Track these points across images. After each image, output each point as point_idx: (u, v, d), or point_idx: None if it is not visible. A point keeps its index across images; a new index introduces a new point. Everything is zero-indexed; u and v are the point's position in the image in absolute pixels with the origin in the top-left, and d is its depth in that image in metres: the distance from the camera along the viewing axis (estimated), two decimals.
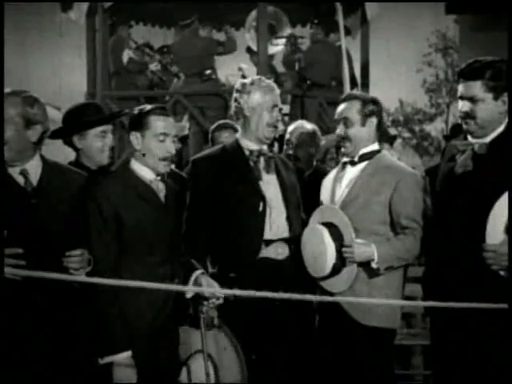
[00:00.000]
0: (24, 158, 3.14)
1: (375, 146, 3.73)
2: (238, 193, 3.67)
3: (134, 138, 3.35)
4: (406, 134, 14.25)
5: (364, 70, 8.98)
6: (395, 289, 3.63)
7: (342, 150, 3.74)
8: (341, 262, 3.54)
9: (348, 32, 8.66)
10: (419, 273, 3.71)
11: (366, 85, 8.90)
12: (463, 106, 3.29)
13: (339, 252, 3.52)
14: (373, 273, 3.56)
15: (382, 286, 3.57)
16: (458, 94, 3.32)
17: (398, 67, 12.54)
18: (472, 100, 3.26)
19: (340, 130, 3.71)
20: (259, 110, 3.76)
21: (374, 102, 3.73)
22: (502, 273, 3.13)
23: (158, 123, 3.33)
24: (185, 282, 3.37)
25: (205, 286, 3.39)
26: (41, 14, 11.55)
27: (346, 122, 3.68)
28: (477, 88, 3.25)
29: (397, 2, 10.70)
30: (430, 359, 3.57)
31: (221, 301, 3.42)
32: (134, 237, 3.27)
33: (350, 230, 3.52)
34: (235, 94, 3.83)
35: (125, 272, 3.23)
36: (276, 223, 3.71)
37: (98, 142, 3.66)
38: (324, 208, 3.70)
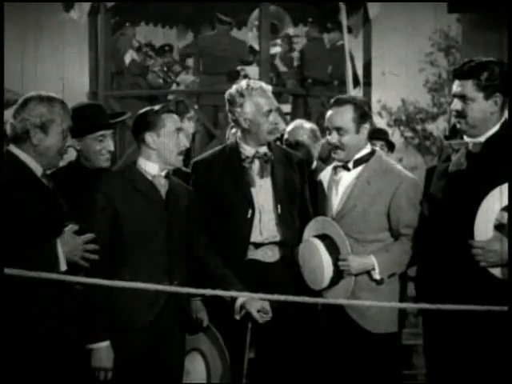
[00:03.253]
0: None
1: (368, 149, 3.65)
2: (229, 199, 3.68)
3: (150, 138, 3.43)
4: (408, 134, 14.24)
5: (366, 69, 8.97)
6: (398, 293, 3.61)
7: (334, 156, 3.65)
8: (338, 275, 3.51)
9: (349, 30, 8.65)
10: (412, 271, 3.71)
11: (368, 84, 8.89)
12: (455, 104, 3.32)
13: (336, 265, 3.50)
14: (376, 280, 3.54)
15: (386, 291, 3.55)
16: (452, 92, 3.36)
17: (400, 66, 12.53)
18: (463, 99, 3.28)
19: (333, 138, 3.59)
20: (255, 120, 3.71)
21: (365, 103, 3.66)
22: (494, 271, 3.13)
23: (171, 120, 3.46)
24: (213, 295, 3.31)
25: (254, 310, 3.47)
26: (43, 13, 11.56)
27: (340, 130, 3.56)
28: (468, 87, 3.27)
29: (399, 1, 10.69)
30: (425, 359, 3.56)
31: (268, 318, 3.48)
32: (130, 230, 3.36)
33: (346, 243, 3.49)
34: (227, 106, 3.80)
35: (122, 263, 3.33)
36: (266, 227, 3.71)
37: (95, 146, 3.65)
38: (319, 220, 3.64)
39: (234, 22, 8.55)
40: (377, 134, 5.96)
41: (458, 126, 3.33)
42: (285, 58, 8.92)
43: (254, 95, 3.72)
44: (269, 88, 3.80)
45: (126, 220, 3.37)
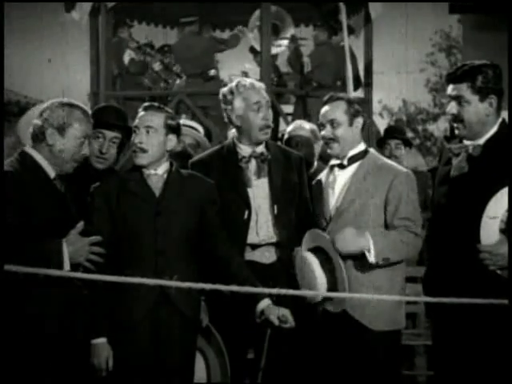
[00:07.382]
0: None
1: (362, 147, 3.70)
2: (225, 200, 3.66)
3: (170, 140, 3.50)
4: (410, 134, 14.25)
5: (367, 69, 8.96)
6: (398, 291, 3.62)
7: (329, 151, 3.70)
8: (332, 288, 3.47)
9: (352, 31, 8.65)
10: (419, 273, 3.71)
11: (369, 84, 8.89)
12: (451, 108, 3.35)
13: (328, 278, 3.47)
14: (377, 277, 3.54)
15: (386, 288, 3.56)
16: (447, 94, 3.38)
17: (401, 67, 12.54)
18: (459, 101, 3.31)
19: (327, 131, 3.67)
20: (245, 115, 3.75)
21: (358, 102, 3.72)
22: (500, 272, 3.15)
23: None
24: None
25: (274, 317, 3.42)
26: (44, 13, 11.58)
27: (333, 122, 3.64)
28: (463, 90, 3.30)
29: (401, 1, 10.70)
30: (432, 360, 3.56)
31: (291, 325, 3.46)
32: (123, 227, 3.40)
33: (339, 259, 3.47)
34: (222, 105, 3.83)
35: (120, 265, 3.34)
36: (263, 228, 3.72)
37: (93, 144, 3.65)
38: (311, 232, 3.64)
39: (198, 19, 8.52)
40: (395, 134, 5.95)
41: (456, 130, 3.37)
42: (292, 61, 8.87)
43: (242, 91, 3.76)
44: (260, 85, 3.81)
45: (119, 221, 3.41)
